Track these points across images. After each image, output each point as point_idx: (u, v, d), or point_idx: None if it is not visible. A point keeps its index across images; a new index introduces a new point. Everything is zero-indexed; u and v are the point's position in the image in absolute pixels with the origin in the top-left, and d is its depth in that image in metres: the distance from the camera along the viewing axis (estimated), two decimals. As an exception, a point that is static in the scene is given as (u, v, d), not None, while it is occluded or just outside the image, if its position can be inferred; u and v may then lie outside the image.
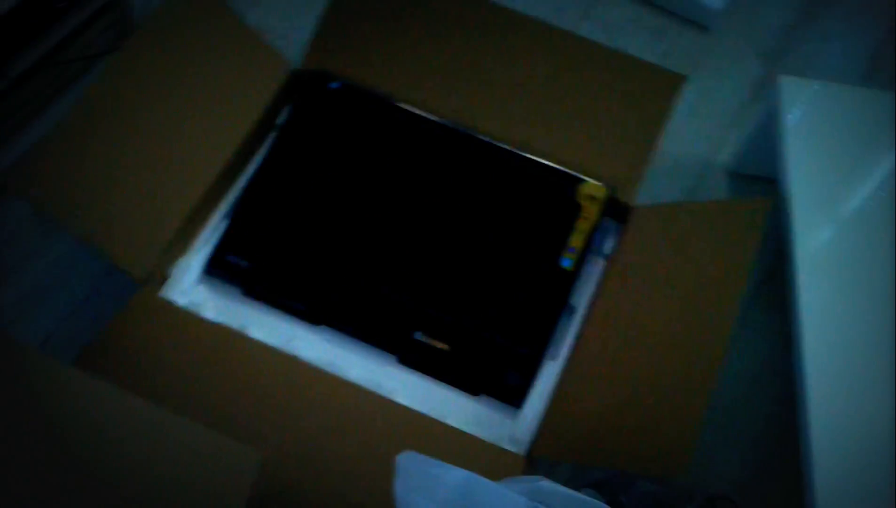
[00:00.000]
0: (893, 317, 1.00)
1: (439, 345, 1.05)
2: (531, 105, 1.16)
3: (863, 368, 0.97)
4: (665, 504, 1.00)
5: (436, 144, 1.14)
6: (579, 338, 1.05)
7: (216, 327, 1.04)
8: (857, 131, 1.15)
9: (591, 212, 1.10)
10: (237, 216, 1.11)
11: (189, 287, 1.08)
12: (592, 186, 1.11)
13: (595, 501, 0.72)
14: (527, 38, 1.19)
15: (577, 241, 1.09)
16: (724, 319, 0.94)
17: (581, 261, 1.08)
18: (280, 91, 1.17)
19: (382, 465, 0.77)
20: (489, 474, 0.77)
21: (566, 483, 0.86)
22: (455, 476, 0.72)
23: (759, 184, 1.36)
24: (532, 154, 1.13)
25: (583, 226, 1.09)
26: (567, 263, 1.08)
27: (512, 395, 1.02)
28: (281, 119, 1.18)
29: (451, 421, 1.00)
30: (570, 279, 1.07)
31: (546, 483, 0.74)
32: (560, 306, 1.06)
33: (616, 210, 1.12)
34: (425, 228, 1.10)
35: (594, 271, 1.10)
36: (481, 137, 1.14)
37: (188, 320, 1.04)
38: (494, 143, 1.14)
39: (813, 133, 1.14)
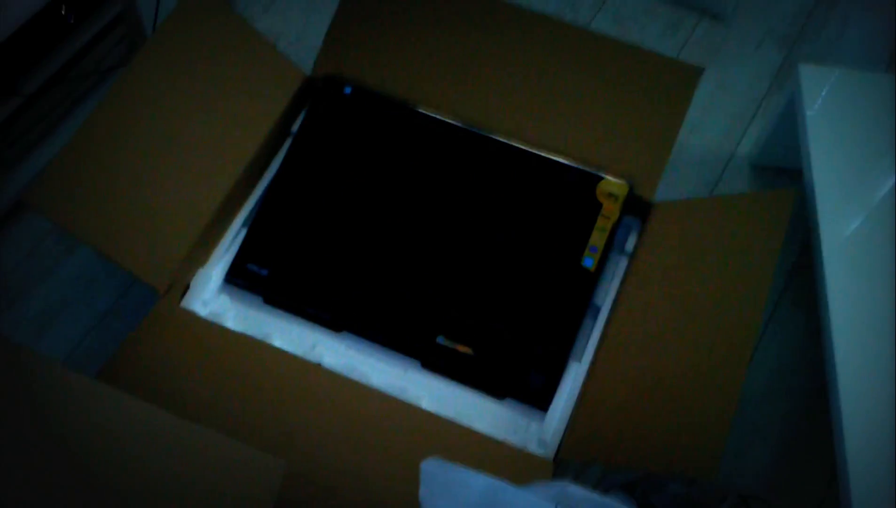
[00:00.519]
0: (924, 307, 0.98)
1: (462, 349, 1.04)
2: (547, 104, 1.15)
3: (891, 357, 0.95)
4: (697, 505, 0.99)
5: (452, 145, 1.13)
6: (604, 338, 1.04)
7: (238, 336, 1.03)
8: (880, 118, 1.13)
9: (611, 210, 1.09)
10: (256, 225, 1.11)
11: (210, 297, 1.08)
12: (612, 183, 1.10)
13: (623, 506, 0.71)
14: (541, 36, 1.17)
15: (598, 240, 1.07)
16: (752, 313, 0.93)
17: (603, 260, 1.07)
18: (294, 98, 1.16)
19: (407, 472, 0.77)
20: (517, 478, 0.76)
21: (596, 486, 0.85)
22: (480, 482, 0.71)
23: (782, 175, 1.34)
24: (550, 153, 1.12)
25: (604, 224, 1.08)
26: (589, 262, 1.07)
27: (538, 397, 1.01)
28: (295, 126, 1.17)
29: (477, 426, 0.99)
30: (592, 279, 1.06)
31: (573, 488, 0.73)
32: (583, 307, 1.05)
33: (637, 207, 1.11)
34: (445, 231, 1.09)
35: (617, 269, 1.09)
36: (498, 137, 1.13)
37: (210, 330, 1.03)
38: (511, 143, 1.13)
39: (835, 122, 1.12)
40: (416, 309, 1.05)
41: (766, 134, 1.30)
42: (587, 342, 1.04)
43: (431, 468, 0.72)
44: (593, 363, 1.02)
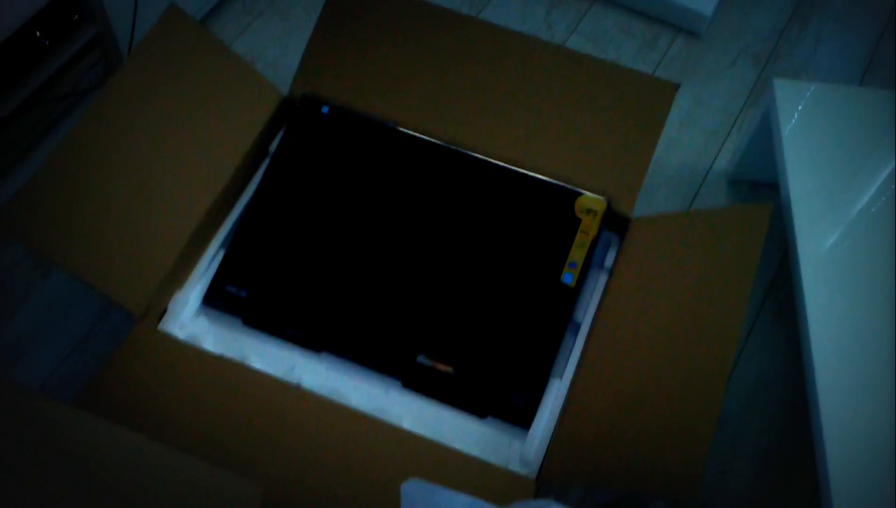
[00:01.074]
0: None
1: (443, 368, 1.03)
2: (525, 121, 1.15)
3: (871, 369, 0.96)
4: (679, 521, 0.98)
5: (431, 163, 1.13)
6: (584, 354, 1.03)
7: (216, 358, 1.02)
8: (855, 132, 1.14)
9: (590, 225, 1.09)
10: (233, 246, 1.10)
11: (188, 320, 1.07)
12: (591, 199, 1.10)
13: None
14: (518, 54, 1.18)
15: (577, 256, 1.08)
16: (730, 327, 0.93)
17: (583, 276, 1.07)
18: (272, 118, 1.16)
19: (388, 493, 0.76)
20: (500, 498, 0.75)
21: (578, 506, 0.84)
22: (461, 502, 0.70)
23: (759, 190, 1.35)
24: (528, 170, 1.12)
25: (583, 240, 1.08)
26: (569, 278, 1.07)
27: (519, 416, 1.01)
28: (273, 146, 1.17)
29: (459, 445, 0.98)
30: (572, 295, 1.06)
31: (556, 507, 0.72)
32: (564, 323, 1.05)
33: (616, 222, 1.11)
34: (424, 249, 1.09)
35: (596, 285, 1.09)
36: (476, 155, 1.13)
37: (188, 352, 1.02)
38: (490, 160, 1.13)
39: (810, 136, 1.13)
40: (396, 328, 1.05)
41: (743, 149, 1.31)
42: (568, 359, 1.04)
43: (412, 489, 0.72)
44: (574, 380, 1.02)
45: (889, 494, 0.88)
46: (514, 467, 0.98)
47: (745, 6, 1.57)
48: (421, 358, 1.04)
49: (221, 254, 1.11)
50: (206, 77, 1.13)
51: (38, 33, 1.19)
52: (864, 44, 1.53)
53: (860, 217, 1.07)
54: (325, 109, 1.16)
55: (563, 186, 1.11)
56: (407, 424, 1.00)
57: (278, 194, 1.12)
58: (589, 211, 1.10)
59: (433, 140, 1.14)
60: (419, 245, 1.09)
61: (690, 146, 1.40)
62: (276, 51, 1.47)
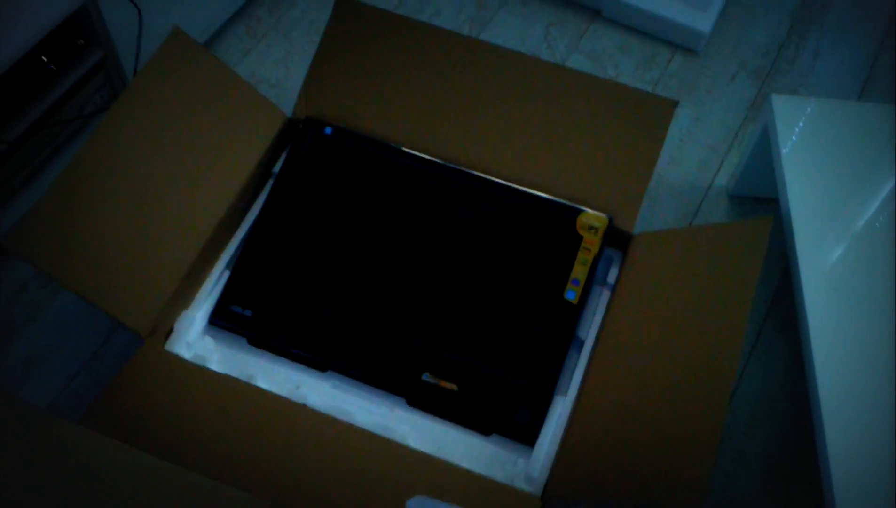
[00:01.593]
0: (903, 332, 0.99)
1: (448, 385, 1.04)
2: (525, 139, 1.16)
3: (874, 382, 0.96)
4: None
5: (433, 183, 1.14)
6: (588, 371, 1.04)
7: (222, 378, 1.03)
8: (854, 147, 1.15)
9: (592, 242, 1.10)
10: (238, 266, 1.11)
11: (194, 340, 1.08)
12: (592, 216, 1.11)
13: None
14: (518, 73, 1.19)
15: (580, 272, 1.08)
16: (733, 342, 0.93)
17: (586, 292, 1.08)
18: (275, 139, 1.17)
19: (395, 511, 0.77)
20: (504, 515, 0.76)
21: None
22: (469, 519, 0.71)
23: (759, 205, 1.36)
24: (530, 188, 1.13)
25: (585, 257, 1.09)
26: (572, 295, 1.07)
27: (524, 433, 1.01)
28: (277, 167, 1.18)
29: (464, 463, 0.98)
30: (575, 312, 1.07)
31: (562, 522, 0.73)
32: (567, 340, 1.06)
33: (617, 239, 1.12)
34: (427, 268, 1.10)
35: (599, 301, 1.10)
36: (478, 173, 1.14)
37: (194, 372, 1.03)
38: (491, 179, 1.14)
39: (809, 151, 1.14)
40: (401, 347, 1.06)
41: (743, 165, 1.32)
42: (572, 376, 1.05)
43: (417, 506, 0.72)
44: (578, 397, 1.02)
45: (891, 502, 0.89)
46: (519, 484, 0.98)
47: (742, 23, 1.58)
48: (426, 376, 1.04)
49: (227, 274, 1.12)
50: (211, 99, 1.14)
51: (44, 58, 1.20)
52: (862, 58, 1.54)
53: (861, 232, 1.07)
54: (328, 130, 1.17)
55: (564, 204, 1.12)
56: (412, 441, 1.00)
57: (282, 214, 1.13)
58: (591, 228, 1.10)
59: (435, 159, 1.16)
60: (422, 263, 1.10)
61: (691, 162, 1.41)
62: (278, 73, 1.48)
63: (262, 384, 1.04)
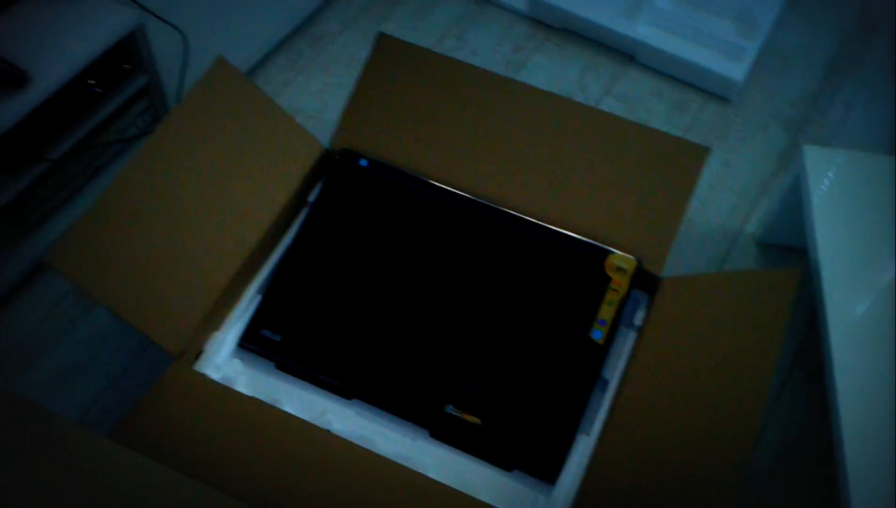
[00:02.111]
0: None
1: (471, 419, 1.04)
2: (558, 179, 1.18)
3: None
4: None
5: (464, 218, 1.16)
6: (612, 411, 1.04)
7: (249, 400, 1.04)
8: (884, 200, 1.15)
9: (620, 283, 1.10)
10: (270, 292, 1.13)
11: (223, 361, 1.10)
12: (621, 257, 1.12)
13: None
14: (550, 113, 1.21)
15: (607, 313, 1.09)
16: (758, 390, 0.94)
17: (612, 333, 1.08)
18: (312, 169, 1.20)
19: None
20: (524, 550, 0.76)
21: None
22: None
23: (788, 254, 1.36)
24: (560, 227, 1.15)
25: (612, 298, 1.10)
26: (598, 335, 1.08)
27: (546, 470, 1.01)
28: (312, 196, 1.20)
29: (485, 497, 0.99)
30: (601, 352, 1.07)
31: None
32: (592, 380, 1.06)
33: (645, 281, 1.12)
34: (455, 302, 1.11)
35: (625, 343, 1.10)
36: (509, 211, 1.16)
37: (222, 393, 1.04)
38: (522, 216, 1.15)
39: (840, 202, 1.14)
40: (426, 378, 1.06)
41: (772, 213, 1.32)
42: (596, 416, 1.05)
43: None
44: (601, 437, 1.03)
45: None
46: (539, 521, 0.98)
47: (775, 72, 1.60)
48: (449, 409, 1.05)
49: (258, 299, 1.13)
50: (250, 128, 1.17)
51: (90, 81, 1.24)
52: (893, 112, 1.55)
53: (889, 284, 1.07)
54: (363, 162, 1.20)
55: (593, 244, 1.13)
56: (433, 473, 1.01)
57: (315, 243, 1.15)
58: (619, 269, 1.11)
59: (467, 195, 1.17)
60: (451, 297, 1.11)
61: (721, 208, 1.42)
62: (317, 104, 1.51)
63: (288, 408, 1.06)
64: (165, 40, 1.29)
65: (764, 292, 1.03)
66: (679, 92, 1.56)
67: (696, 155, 1.16)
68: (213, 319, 1.10)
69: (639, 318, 1.12)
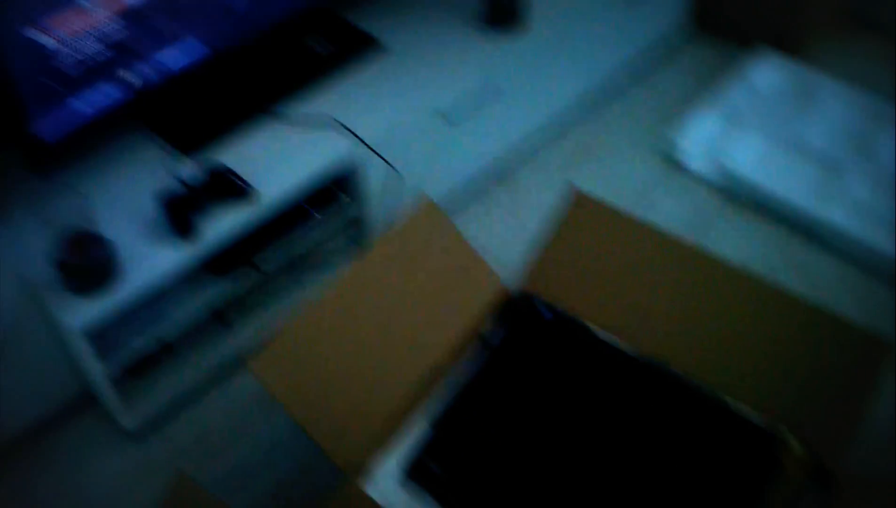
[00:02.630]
0: None
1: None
2: (736, 351, 1.17)
3: None
4: None
5: (642, 378, 1.17)
6: None
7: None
8: None
9: (792, 474, 1.07)
10: (441, 426, 1.17)
11: (389, 489, 1.13)
12: (794, 444, 1.09)
13: None
14: (734, 286, 1.21)
15: (777, 504, 1.05)
16: None
17: (780, 526, 1.04)
18: (493, 309, 1.25)
19: None
20: None
21: None
22: None
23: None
24: (733, 398, 1.13)
25: (785, 492, 1.06)
26: (765, 525, 1.04)
27: None
28: (489, 336, 1.25)
29: None
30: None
31: None
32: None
33: (821, 476, 1.08)
34: (620, 463, 1.11)
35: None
36: (686, 377, 1.16)
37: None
38: (699, 384, 1.15)
39: None
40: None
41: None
42: None
43: None
44: None
45: None
46: None
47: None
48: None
49: (427, 429, 1.17)
50: (443, 263, 1.24)
51: (306, 206, 1.36)
52: None
53: None
54: (546, 314, 1.24)
55: (767, 430, 1.11)
56: None
57: (492, 387, 1.19)
58: (791, 457, 1.08)
59: (646, 358, 1.18)
60: (618, 458, 1.11)
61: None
62: (506, 249, 1.57)
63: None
64: (382, 176, 1.40)
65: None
66: (867, 281, 1.52)
67: (881, 349, 1.13)
68: (383, 440, 1.15)
69: (810, 514, 1.08)
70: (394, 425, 1.16)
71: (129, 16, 1.20)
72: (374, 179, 1.39)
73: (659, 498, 1.08)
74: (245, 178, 1.28)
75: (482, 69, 1.53)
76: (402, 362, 1.17)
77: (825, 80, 1.83)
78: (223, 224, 1.26)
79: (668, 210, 1.65)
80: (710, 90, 1.87)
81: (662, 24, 1.93)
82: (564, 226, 1.30)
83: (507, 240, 1.59)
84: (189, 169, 1.31)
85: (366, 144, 1.34)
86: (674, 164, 1.74)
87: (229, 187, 1.27)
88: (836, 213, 1.56)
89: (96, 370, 1.25)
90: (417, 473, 1.13)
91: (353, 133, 1.35)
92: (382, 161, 1.38)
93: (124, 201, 1.28)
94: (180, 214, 1.23)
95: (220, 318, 1.39)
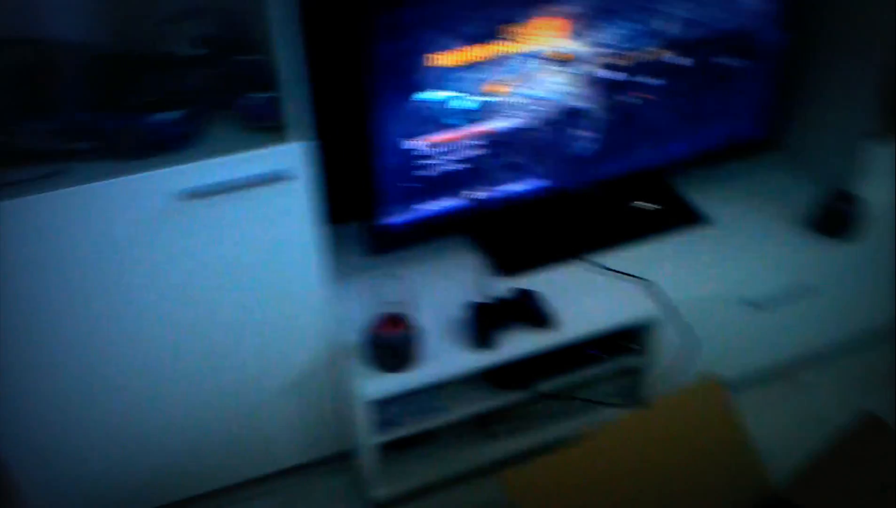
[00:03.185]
0: None
1: None
2: None
3: None
4: None
5: None
6: None
7: None
8: None
9: None
10: None
11: None
12: None
13: None
14: None
15: None
16: None
17: None
18: (750, 504, 1.21)
19: None
20: None
21: None
22: None
23: None
24: None
25: None
26: None
27: None
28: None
29: None
30: None
31: None
32: None
33: None
34: None
35: None
36: None
37: None
38: None
39: None
40: None
41: None
42: None
43: None
44: None
45: None
46: None
47: None
48: None
49: None
50: (712, 441, 1.23)
51: (589, 348, 1.42)
52: None
53: None
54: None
55: None
56: None
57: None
58: None
59: None
60: None
61: None
62: (778, 446, 1.51)
63: None
64: (675, 337, 1.42)
65: None
66: None
67: None
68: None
69: None
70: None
71: (491, 142, 1.36)
72: (667, 339, 1.42)
73: None
74: (548, 308, 1.37)
75: (802, 270, 1.53)
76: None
77: None
78: (518, 345, 1.36)
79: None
80: None
81: None
82: (849, 444, 1.24)
83: (782, 436, 1.53)
84: (500, 286, 1.42)
85: (677, 312, 1.37)
86: None
87: (532, 313, 1.36)
88: None
89: (366, 438, 1.38)
90: None
91: (665, 297, 1.40)
92: (681, 325, 1.40)
93: (437, 297, 1.42)
94: (483, 324, 1.34)
95: (484, 422, 1.47)
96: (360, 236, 1.43)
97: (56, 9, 1.14)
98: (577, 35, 1.32)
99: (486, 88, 1.30)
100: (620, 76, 1.39)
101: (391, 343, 1.29)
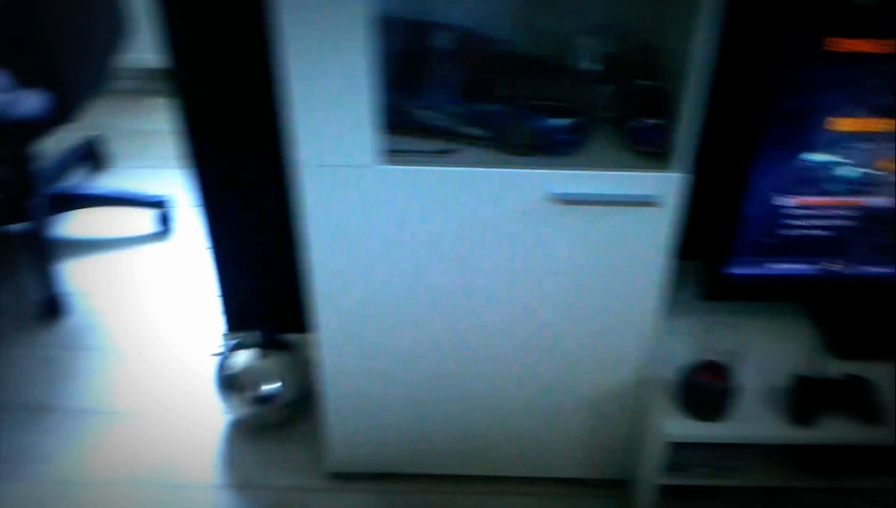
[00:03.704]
0: None
1: None
2: None
3: None
4: None
5: None
6: None
7: None
8: None
9: None
10: None
11: None
12: None
13: None
14: None
15: None
16: None
17: None
18: None
19: None
20: None
21: None
22: None
23: None
24: None
25: None
26: None
27: None
28: None
29: None
30: None
31: None
32: None
33: None
34: None
35: None
36: None
37: None
38: None
39: None
40: None
41: None
42: None
43: None
44: None
45: None
46: None
47: None
48: None
49: None
50: None
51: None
52: None
53: None
54: None
55: None
56: None
57: None
58: None
59: None
60: None
61: None
62: None
63: None
64: None
65: None
66: None
67: None
68: None
69: None
70: None
71: (864, 216, 1.29)
72: None
73: None
74: (880, 401, 1.28)
75: None
76: None
77: None
78: (838, 431, 1.28)
79: None
80: None
81: None
82: None
83: None
84: (831, 366, 1.35)
85: None
86: None
87: (861, 402, 1.28)
88: None
89: (651, 475, 1.37)
90: None
91: None
92: None
93: (762, 358, 1.38)
94: (805, 399, 1.28)
95: (773, 496, 1.41)
96: (700, 276, 1.42)
97: (487, 4, 1.24)
98: None
99: (878, 163, 1.24)
100: None
101: (707, 391, 1.27)
